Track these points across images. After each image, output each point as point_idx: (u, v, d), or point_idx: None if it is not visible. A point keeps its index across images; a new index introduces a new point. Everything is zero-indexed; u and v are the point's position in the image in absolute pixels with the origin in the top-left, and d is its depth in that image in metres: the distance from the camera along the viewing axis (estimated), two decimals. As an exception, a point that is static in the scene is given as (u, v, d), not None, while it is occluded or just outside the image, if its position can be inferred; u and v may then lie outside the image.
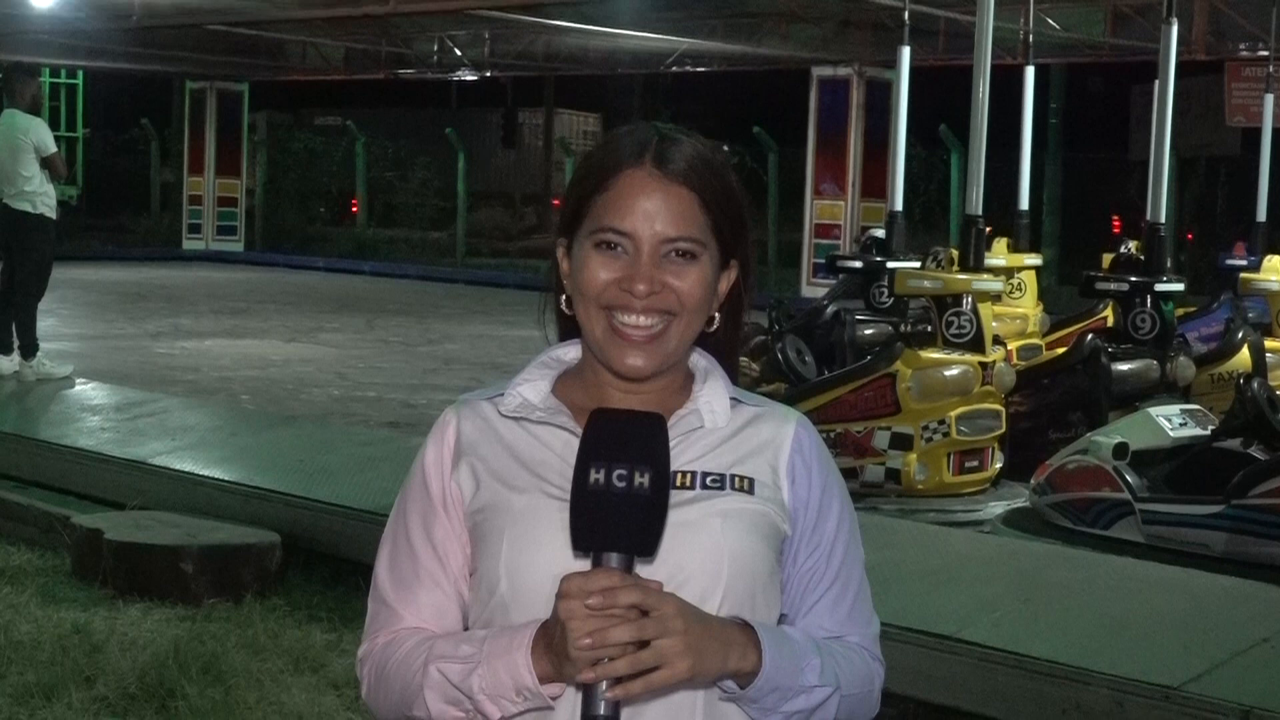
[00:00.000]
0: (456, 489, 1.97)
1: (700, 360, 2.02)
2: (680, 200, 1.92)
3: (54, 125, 24.37)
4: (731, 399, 1.99)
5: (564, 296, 1.99)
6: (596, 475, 1.66)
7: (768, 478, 1.95)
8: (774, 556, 1.95)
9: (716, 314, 2.00)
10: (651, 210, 1.91)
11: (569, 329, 2.04)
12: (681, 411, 1.95)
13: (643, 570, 1.78)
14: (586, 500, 1.66)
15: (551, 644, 1.74)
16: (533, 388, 1.99)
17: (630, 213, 1.91)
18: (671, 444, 1.81)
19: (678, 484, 1.87)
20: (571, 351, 2.04)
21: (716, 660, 1.78)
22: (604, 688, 1.69)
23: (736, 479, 1.93)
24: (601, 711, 1.69)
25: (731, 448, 1.96)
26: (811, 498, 1.98)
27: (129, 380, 11.75)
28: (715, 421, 1.95)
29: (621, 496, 1.65)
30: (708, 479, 1.92)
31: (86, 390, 10.76)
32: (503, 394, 1.99)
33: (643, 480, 1.65)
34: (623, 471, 1.65)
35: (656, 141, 1.94)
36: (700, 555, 1.87)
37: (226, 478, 7.92)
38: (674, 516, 1.82)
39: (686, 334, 1.95)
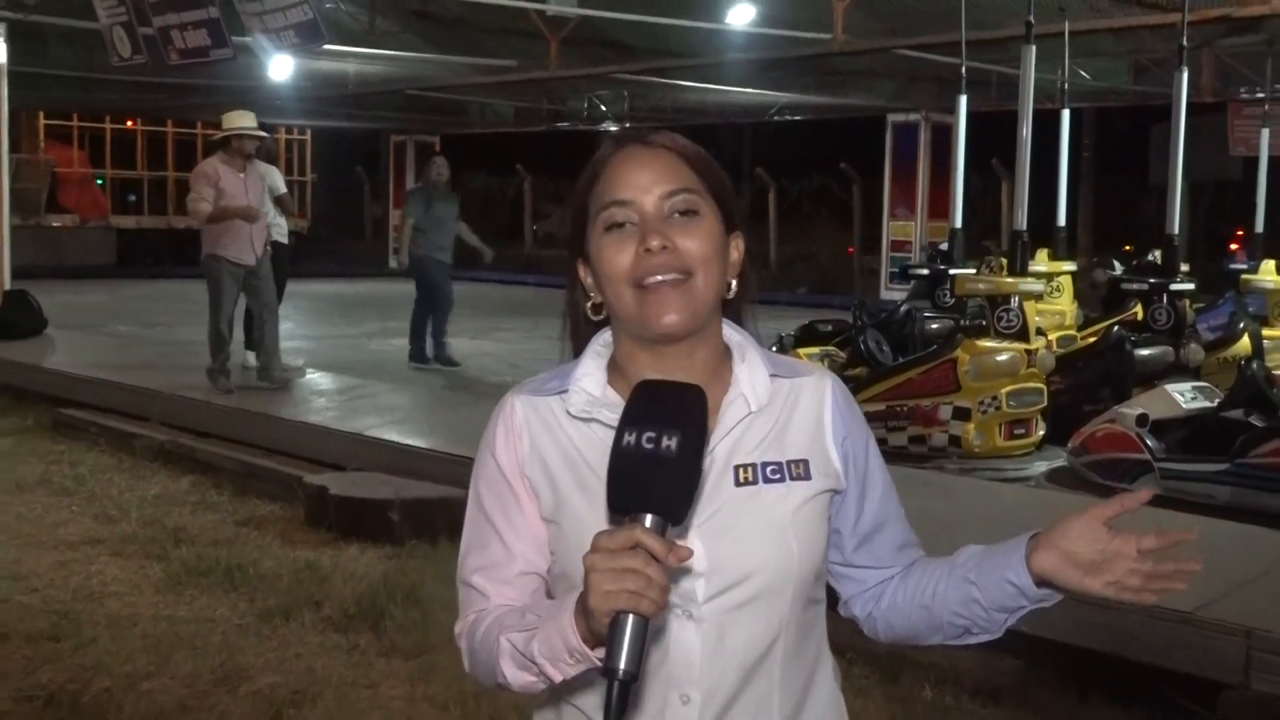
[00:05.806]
0: (530, 487, 1.66)
1: (734, 334, 1.70)
2: (669, 161, 1.64)
3: (288, 173, 24.90)
4: (770, 375, 1.66)
5: (589, 304, 1.69)
6: (629, 438, 1.41)
7: (819, 450, 1.65)
8: (828, 521, 1.69)
9: (733, 281, 1.68)
10: (644, 173, 1.62)
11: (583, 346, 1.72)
12: (729, 397, 1.63)
13: (712, 573, 1.57)
14: (618, 461, 1.42)
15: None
16: (594, 381, 1.65)
17: (624, 182, 1.62)
18: (726, 432, 1.61)
19: (740, 480, 1.60)
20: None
21: None
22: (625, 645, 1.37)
23: (793, 466, 1.63)
24: (621, 666, 1.37)
25: (781, 428, 1.64)
26: (858, 449, 1.69)
27: (348, 370, 11.90)
28: (759, 402, 1.63)
29: (648, 457, 1.40)
30: (768, 470, 1.61)
31: (315, 378, 10.93)
32: (565, 390, 1.66)
33: (670, 443, 1.39)
34: (652, 434, 1.40)
35: (637, 132, 1.69)
36: (773, 556, 1.59)
37: (425, 446, 8.01)
38: (741, 515, 1.59)
39: (709, 289, 1.61)
